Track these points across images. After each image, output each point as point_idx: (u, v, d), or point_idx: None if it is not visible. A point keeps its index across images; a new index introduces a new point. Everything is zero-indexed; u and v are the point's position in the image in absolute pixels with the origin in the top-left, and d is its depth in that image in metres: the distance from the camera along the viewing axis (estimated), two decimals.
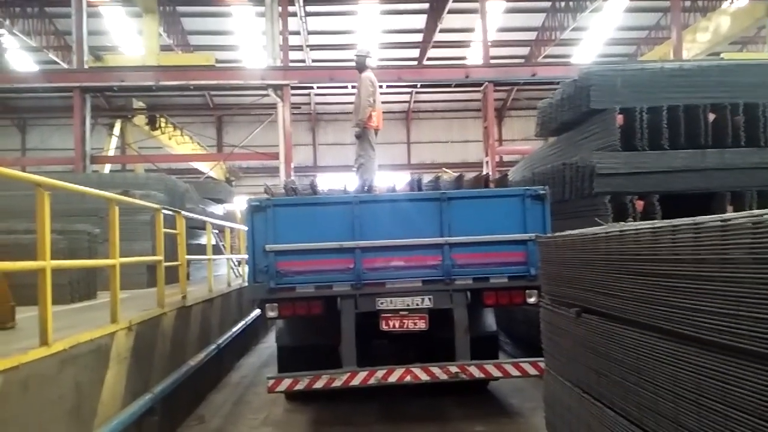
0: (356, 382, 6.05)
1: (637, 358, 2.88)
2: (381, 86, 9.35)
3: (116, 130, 20.29)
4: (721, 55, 18.30)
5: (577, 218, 7.23)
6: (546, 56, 24.72)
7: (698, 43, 18.60)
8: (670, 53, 17.95)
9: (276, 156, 17.35)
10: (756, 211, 2.12)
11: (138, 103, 20.68)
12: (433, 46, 23.66)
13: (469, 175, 7.73)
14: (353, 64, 9.20)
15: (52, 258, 3.90)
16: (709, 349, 2.30)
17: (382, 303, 6.26)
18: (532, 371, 6.15)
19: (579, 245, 3.78)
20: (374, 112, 8.72)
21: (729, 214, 2.26)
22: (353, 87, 10.20)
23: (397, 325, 6.27)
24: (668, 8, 19.28)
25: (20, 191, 8.06)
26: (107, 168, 18.77)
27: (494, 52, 21.57)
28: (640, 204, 7.08)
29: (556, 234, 4.41)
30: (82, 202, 8.84)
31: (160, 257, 6.56)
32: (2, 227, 7.41)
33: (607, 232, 3.36)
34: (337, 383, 6.04)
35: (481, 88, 18.03)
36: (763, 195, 6.96)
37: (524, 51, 25.72)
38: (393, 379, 6.08)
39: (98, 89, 17.73)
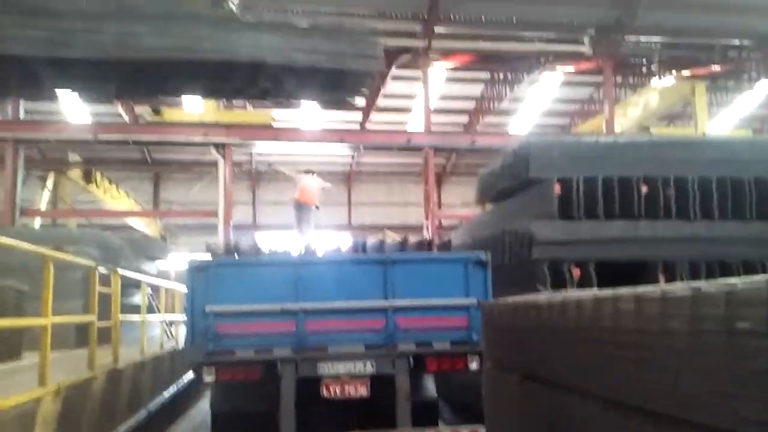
0: None
1: (580, 429, 2.90)
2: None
3: (49, 183, 19.66)
4: (651, 130, 19.23)
5: (515, 285, 7.34)
6: (485, 124, 25.43)
7: (629, 117, 19.50)
8: (603, 126, 18.74)
9: (214, 213, 17.12)
10: (696, 283, 2.21)
11: (74, 157, 20.16)
12: (376, 110, 24.06)
13: (413, 239, 7.78)
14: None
15: None
16: (654, 421, 2.31)
17: (323, 368, 6.16)
18: None
19: (522, 312, 3.82)
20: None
21: (669, 286, 2.34)
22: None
23: (338, 392, 6.15)
24: (601, 83, 20.16)
25: None
26: (37, 222, 18.12)
27: (435, 118, 22.07)
28: (576, 271, 7.26)
29: (499, 300, 4.47)
30: (8, 256, 8.46)
31: (93, 317, 6.31)
32: None
33: (549, 300, 3.42)
34: None
35: (422, 152, 18.45)
36: (693, 266, 7.24)
37: (464, 119, 26.39)
38: None
39: (34, 141, 17.27)
